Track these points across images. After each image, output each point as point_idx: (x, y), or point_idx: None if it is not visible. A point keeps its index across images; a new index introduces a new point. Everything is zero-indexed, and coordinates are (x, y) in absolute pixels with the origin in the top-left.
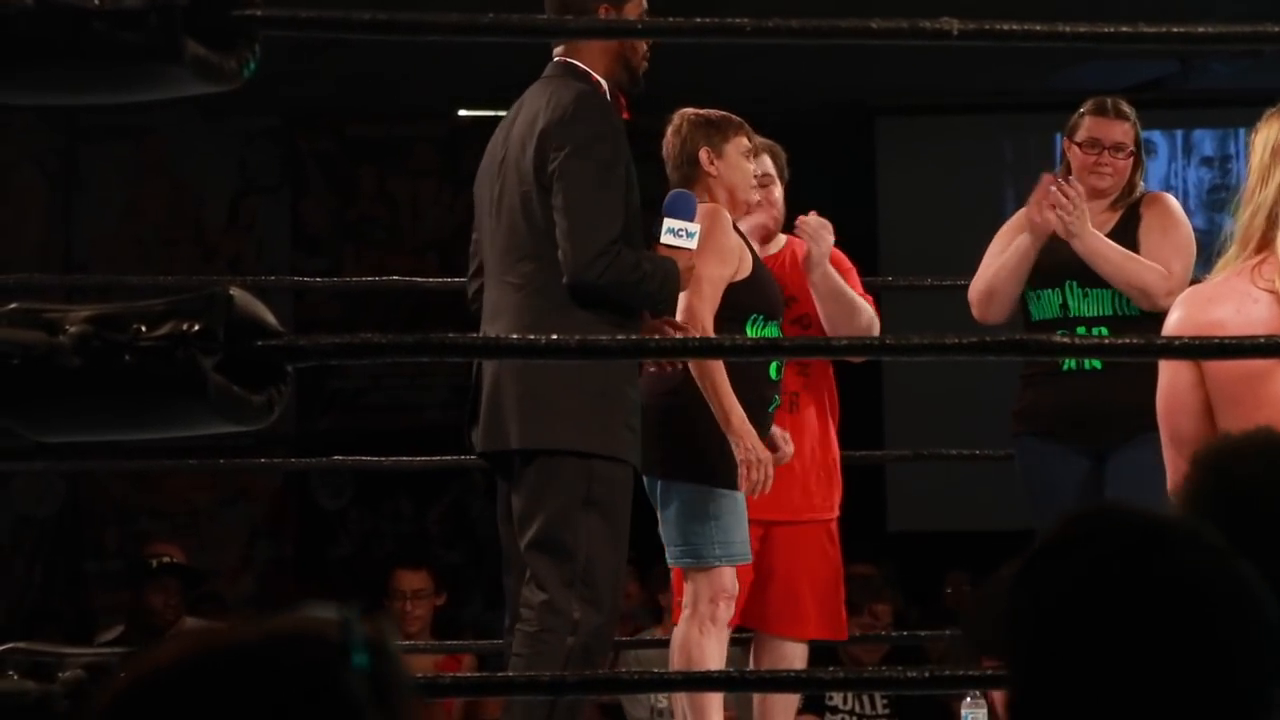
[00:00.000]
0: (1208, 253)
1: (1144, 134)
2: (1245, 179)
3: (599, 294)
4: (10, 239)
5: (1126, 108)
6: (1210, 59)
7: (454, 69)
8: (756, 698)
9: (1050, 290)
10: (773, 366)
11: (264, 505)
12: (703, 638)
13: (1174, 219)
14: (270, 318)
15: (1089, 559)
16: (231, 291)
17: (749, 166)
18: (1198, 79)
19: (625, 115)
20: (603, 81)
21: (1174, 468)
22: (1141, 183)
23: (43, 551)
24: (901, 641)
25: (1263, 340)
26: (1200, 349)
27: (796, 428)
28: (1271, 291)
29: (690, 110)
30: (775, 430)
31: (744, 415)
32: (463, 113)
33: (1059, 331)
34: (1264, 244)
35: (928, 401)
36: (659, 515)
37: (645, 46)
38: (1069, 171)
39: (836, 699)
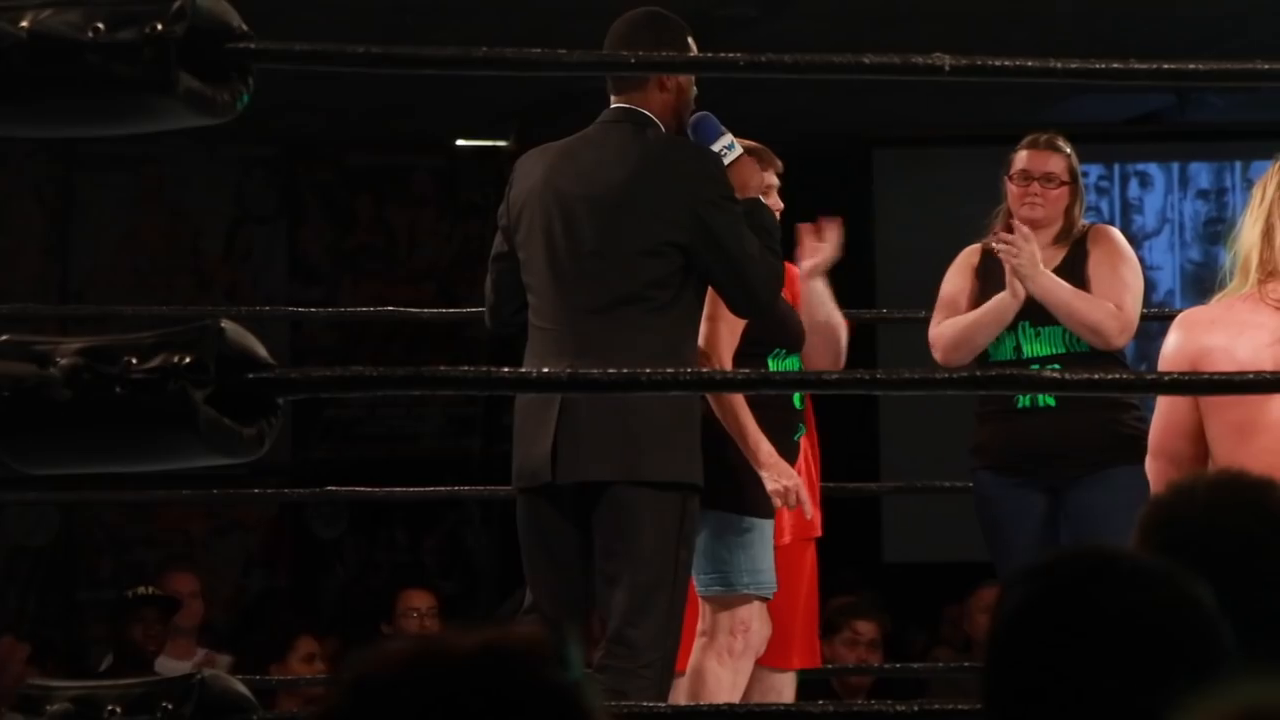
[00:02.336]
0: (1205, 285)
1: (1141, 166)
2: (1242, 215)
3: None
4: (6, 269)
5: (1061, 142)
6: (1207, 92)
7: (452, 99)
8: None
9: (1006, 332)
10: (796, 396)
11: (259, 535)
12: (720, 669)
13: (1123, 253)
14: (261, 350)
15: (1036, 589)
16: (223, 324)
17: (774, 200)
18: (1194, 112)
19: None
20: (663, 130)
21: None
22: (1082, 218)
23: (36, 582)
24: (893, 674)
25: (1251, 376)
26: (1188, 384)
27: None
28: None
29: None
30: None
31: (771, 449)
32: (461, 142)
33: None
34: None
35: (924, 433)
36: None
37: (692, 101)
38: (1010, 211)
39: None
